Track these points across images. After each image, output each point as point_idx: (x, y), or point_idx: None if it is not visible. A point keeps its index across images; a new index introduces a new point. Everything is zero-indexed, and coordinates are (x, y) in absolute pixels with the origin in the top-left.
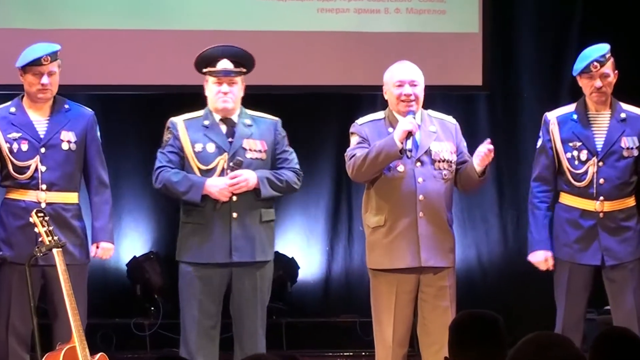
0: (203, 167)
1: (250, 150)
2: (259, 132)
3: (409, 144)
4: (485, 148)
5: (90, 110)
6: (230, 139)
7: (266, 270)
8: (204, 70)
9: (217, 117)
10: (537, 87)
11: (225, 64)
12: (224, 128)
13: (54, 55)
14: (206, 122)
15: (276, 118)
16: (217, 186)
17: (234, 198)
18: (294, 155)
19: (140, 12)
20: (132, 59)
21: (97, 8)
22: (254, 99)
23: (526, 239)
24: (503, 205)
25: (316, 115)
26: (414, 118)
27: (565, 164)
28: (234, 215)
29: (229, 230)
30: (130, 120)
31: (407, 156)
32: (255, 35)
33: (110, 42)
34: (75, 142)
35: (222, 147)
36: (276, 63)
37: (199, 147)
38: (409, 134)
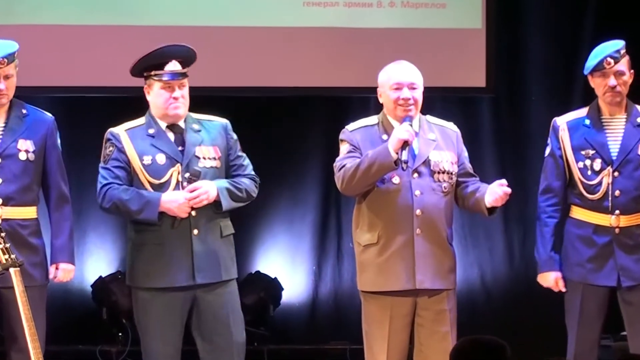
0: (155, 181)
1: (204, 158)
2: (210, 137)
3: (405, 155)
4: (501, 191)
5: (50, 115)
6: (180, 148)
7: (232, 288)
8: (148, 73)
9: (163, 124)
10: (546, 89)
11: (173, 66)
12: (171, 136)
13: (10, 57)
14: (151, 131)
15: (225, 120)
16: (175, 201)
17: (193, 213)
18: (247, 160)
19: (108, 4)
20: (99, 58)
21: (56, 0)
22: (233, 103)
23: (534, 258)
24: (509, 220)
25: (302, 120)
26: (411, 125)
27: (577, 174)
28: (195, 232)
29: (190, 249)
30: (95, 126)
31: (403, 168)
32: (233, 32)
33: (74, 39)
34: (33, 152)
35: (174, 158)
36: (256, 63)
37: (147, 159)
38: (405, 144)
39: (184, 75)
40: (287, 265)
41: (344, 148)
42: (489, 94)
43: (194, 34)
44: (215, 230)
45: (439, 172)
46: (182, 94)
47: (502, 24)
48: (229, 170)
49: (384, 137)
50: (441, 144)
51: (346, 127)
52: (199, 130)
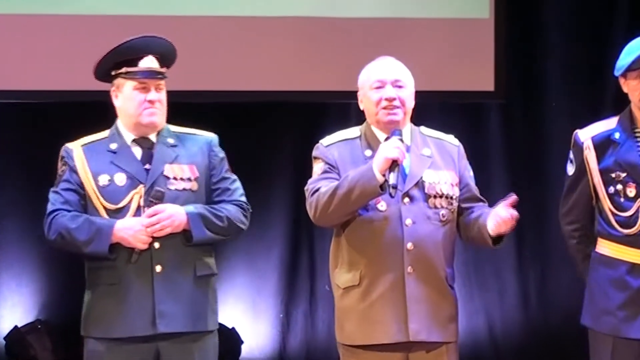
0: (111, 206)
1: (174, 179)
2: (188, 153)
3: (394, 177)
4: (507, 214)
5: None
6: (146, 166)
7: (207, 345)
8: (118, 71)
9: (130, 136)
10: (569, 94)
11: (150, 63)
12: (137, 151)
13: None
14: (113, 146)
15: (211, 134)
16: (130, 228)
17: (156, 245)
18: (237, 184)
19: None
20: (16, 55)
21: None
22: (180, 110)
23: (554, 302)
24: (523, 255)
25: (266, 132)
26: (401, 139)
27: (606, 202)
28: (158, 268)
29: (150, 289)
30: (10, 141)
31: (391, 194)
32: (180, 23)
33: (18, 31)
34: None
35: (136, 178)
36: (209, 60)
37: (104, 179)
38: (394, 163)
39: (162, 75)
40: (248, 313)
41: (318, 167)
42: (498, 99)
43: (142, 24)
44: (186, 267)
45: (435, 197)
46: (159, 97)
47: (514, 13)
48: (211, 195)
49: (368, 152)
50: (438, 162)
51: (321, 141)
52: (175, 146)
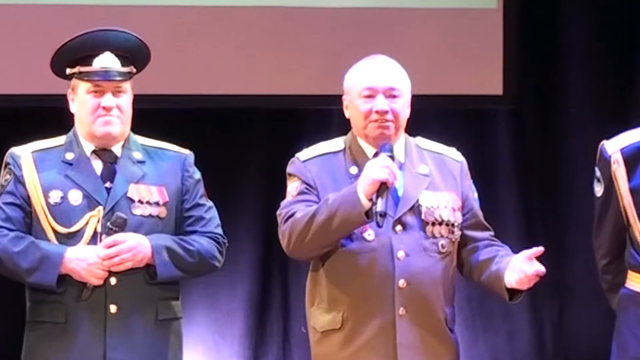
0: (62, 230)
1: (140, 202)
2: (157, 172)
3: (382, 203)
4: (532, 269)
5: None
6: (107, 184)
7: None
8: (72, 71)
9: (90, 147)
10: (592, 98)
11: (107, 61)
12: (97, 165)
13: None
14: (69, 156)
15: (186, 151)
16: (83, 260)
17: (112, 280)
18: (213, 212)
19: None
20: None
21: None
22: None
23: (575, 348)
24: (537, 291)
25: (231, 144)
26: (392, 156)
27: (637, 228)
28: (112, 308)
29: (102, 333)
30: None
31: (379, 224)
32: (128, 12)
33: None
34: None
35: (94, 197)
36: (164, 60)
37: (55, 196)
38: (384, 186)
39: (123, 75)
40: (210, 358)
41: (293, 187)
42: (508, 105)
43: (85, 15)
44: (146, 309)
45: (434, 224)
46: (118, 103)
47: (526, 3)
48: (181, 223)
49: (353, 169)
50: (438, 181)
51: (297, 155)
52: (142, 162)
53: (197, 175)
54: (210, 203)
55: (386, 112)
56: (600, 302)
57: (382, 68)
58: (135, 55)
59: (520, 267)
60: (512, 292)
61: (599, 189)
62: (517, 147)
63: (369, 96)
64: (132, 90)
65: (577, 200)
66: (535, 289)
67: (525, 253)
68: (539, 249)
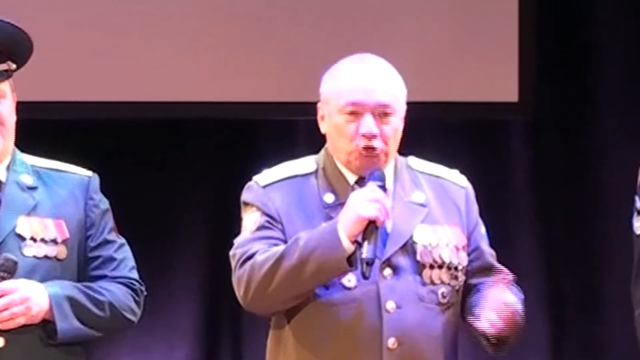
0: None
1: (33, 240)
2: (53, 202)
3: (369, 248)
4: (498, 302)
5: None
6: None
7: None
8: None
9: None
10: (629, 109)
11: None
12: None
13: None
14: None
15: (89, 173)
16: None
17: (0, 341)
18: (126, 251)
19: None
20: None
21: None
22: (34, 130)
23: None
24: (561, 347)
25: (166, 165)
26: (383, 186)
27: None
28: None
29: None
30: None
31: (364, 274)
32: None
33: None
34: None
35: None
36: (58, 55)
37: None
38: (371, 226)
39: None
40: None
41: (250, 220)
42: (524, 115)
43: None
44: None
45: (432, 267)
46: None
47: None
48: (86, 266)
49: (328, 198)
50: (436, 212)
51: (255, 178)
52: (34, 188)
53: (105, 204)
54: (121, 240)
55: (375, 135)
56: None
57: (372, 77)
58: (11, 48)
59: (488, 298)
60: (493, 342)
61: (639, 225)
62: (535, 168)
63: (353, 112)
64: (14, 94)
65: (611, 238)
66: (559, 347)
67: (491, 285)
68: (506, 277)
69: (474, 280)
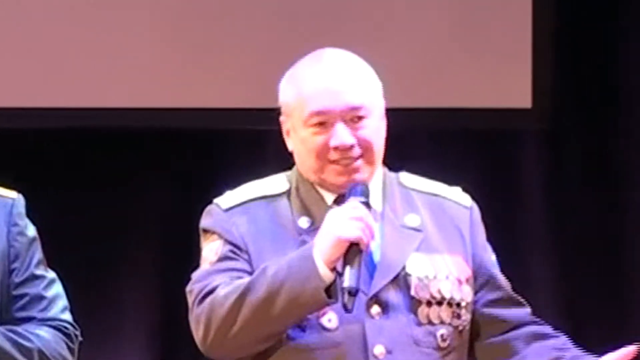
0: None
1: None
2: None
3: (352, 276)
4: None
5: None
6: None
7: None
8: None
9: None
10: None
11: None
12: None
13: None
14: None
15: (12, 194)
16: None
17: None
18: (57, 288)
19: None
20: None
21: None
22: None
23: None
24: None
25: (110, 183)
26: (367, 203)
27: None
28: None
29: None
30: None
31: (346, 307)
32: None
33: None
34: None
35: None
36: (20, 61)
37: None
38: (354, 249)
39: None
40: None
41: (211, 249)
42: (539, 123)
43: None
44: None
45: (429, 303)
46: None
47: None
48: (9, 306)
49: (303, 222)
50: (434, 238)
51: (216, 201)
52: None
53: (32, 231)
54: (52, 274)
55: (350, 147)
56: None
57: (335, 76)
58: None
59: None
60: None
61: None
62: (552, 185)
63: (321, 124)
64: None
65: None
66: None
67: (613, 357)
68: (631, 349)
69: (491, 313)
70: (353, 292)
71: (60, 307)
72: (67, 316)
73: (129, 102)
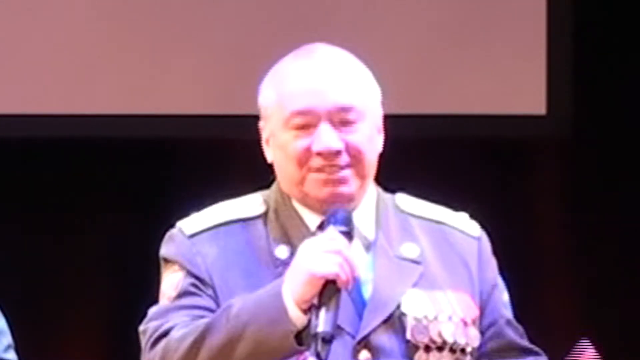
0: None
1: None
2: None
3: (327, 319)
4: None
5: None
6: None
7: None
8: None
9: None
10: None
11: None
12: None
13: None
14: None
15: None
16: None
17: None
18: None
19: None
20: None
21: None
22: None
23: None
24: None
25: (52, 197)
26: (349, 232)
27: None
28: None
29: None
30: None
31: (319, 355)
32: None
33: None
34: None
35: None
36: None
37: None
38: (330, 288)
39: None
40: None
41: (170, 283)
42: (555, 131)
43: None
44: None
45: (428, 348)
46: None
47: None
48: None
49: (281, 252)
50: (435, 272)
51: (179, 224)
52: None
53: None
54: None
55: (336, 152)
56: None
57: (324, 73)
58: None
59: None
60: None
61: None
62: (570, 200)
63: (304, 126)
64: None
65: None
66: None
67: None
68: None
69: None
70: (327, 340)
71: (3, 346)
72: (11, 355)
73: (69, 109)
